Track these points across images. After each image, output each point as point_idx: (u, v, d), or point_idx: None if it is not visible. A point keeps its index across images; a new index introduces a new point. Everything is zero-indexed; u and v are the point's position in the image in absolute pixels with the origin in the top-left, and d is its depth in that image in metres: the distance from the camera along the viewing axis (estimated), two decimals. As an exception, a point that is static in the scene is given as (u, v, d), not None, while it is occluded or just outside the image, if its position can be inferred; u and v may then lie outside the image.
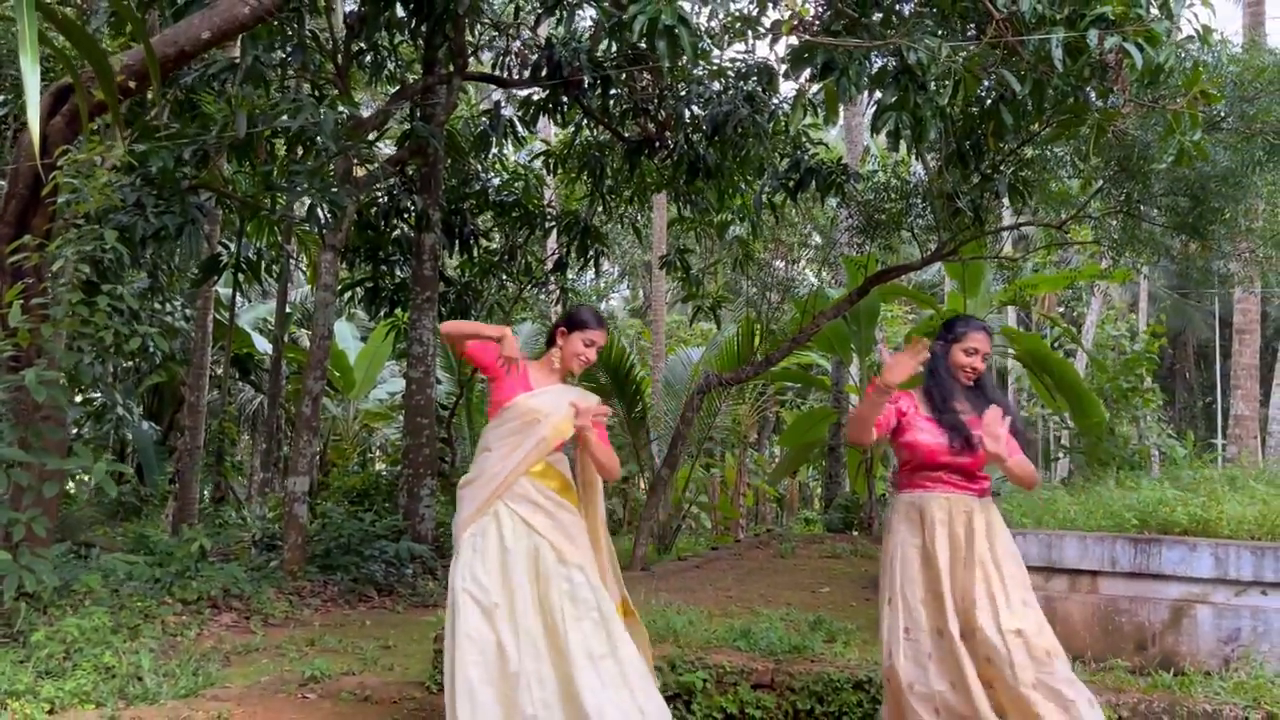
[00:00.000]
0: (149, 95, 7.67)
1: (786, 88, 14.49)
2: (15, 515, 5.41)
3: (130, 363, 15.19)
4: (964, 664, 3.54)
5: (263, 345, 17.35)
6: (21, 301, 5.74)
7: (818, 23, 5.57)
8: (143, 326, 6.08)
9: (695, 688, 4.58)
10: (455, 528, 3.76)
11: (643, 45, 6.63)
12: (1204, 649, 4.59)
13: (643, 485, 14.57)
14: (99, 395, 12.88)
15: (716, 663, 4.63)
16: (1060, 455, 17.44)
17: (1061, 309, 28.32)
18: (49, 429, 5.82)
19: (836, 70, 5.10)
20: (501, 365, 3.73)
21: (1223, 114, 7.24)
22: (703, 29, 8.25)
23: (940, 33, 5.86)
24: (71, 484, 13.64)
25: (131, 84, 6.60)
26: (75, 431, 15.27)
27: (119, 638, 5.45)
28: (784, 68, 5.40)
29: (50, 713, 4.25)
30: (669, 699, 4.63)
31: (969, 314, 4.11)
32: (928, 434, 3.83)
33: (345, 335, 18.00)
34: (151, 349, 11.58)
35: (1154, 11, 5.03)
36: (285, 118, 7.76)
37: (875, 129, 5.49)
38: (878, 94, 5.74)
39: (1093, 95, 5.59)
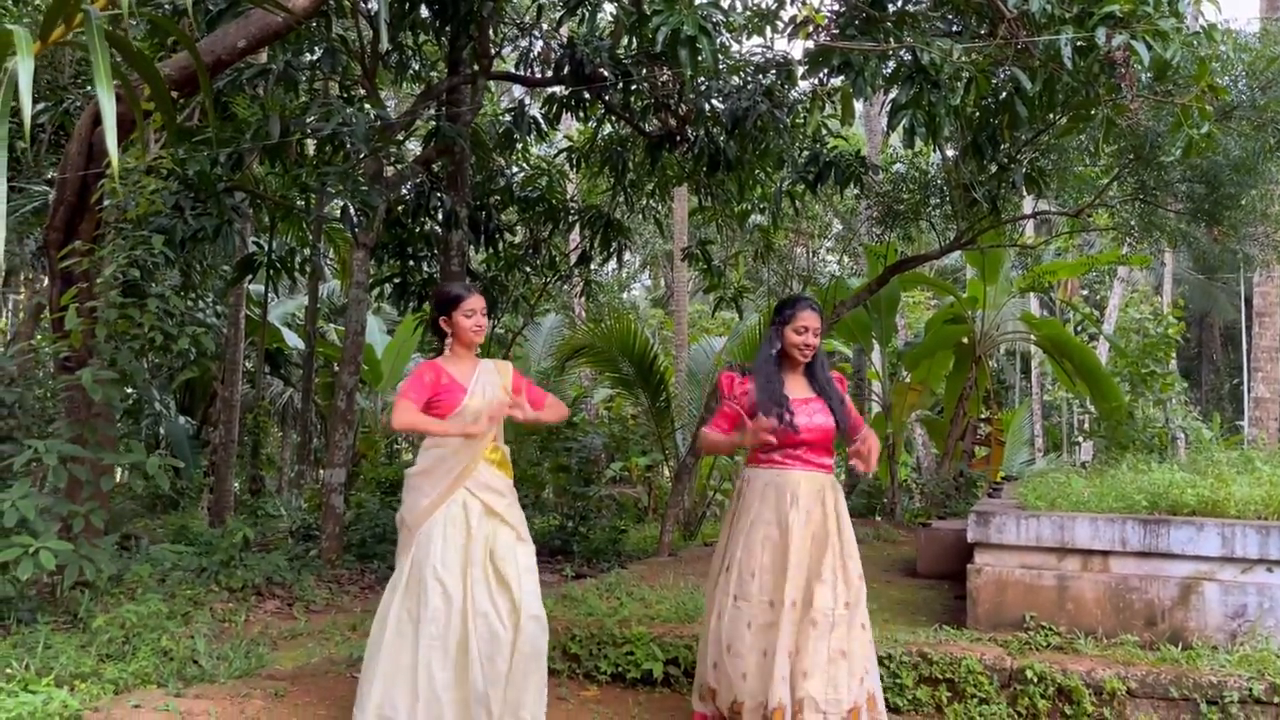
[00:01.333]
0: (181, 101, 7.94)
1: (805, 83, 14.65)
2: (75, 508, 5.69)
3: (162, 359, 15.54)
4: (783, 634, 3.75)
5: (292, 340, 17.66)
6: (77, 305, 6.02)
7: (834, 23, 5.75)
8: (190, 327, 6.34)
9: (723, 665, 4.80)
10: (413, 515, 4.02)
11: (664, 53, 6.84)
12: (1211, 624, 4.77)
13: (667, 473, 14.78)
14: (132, 391, 13.21)
15: (708, 624, 4.85)
16: (1081, 439, 17.53)
17: (1085, 293, 28.30)
18: (103, 425, 6.10)
19: (853, 71, 5.29)
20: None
21: (1235, 103, 7.35)
22: (722, 24, 8.42)
23: (955, 29, 6.04)
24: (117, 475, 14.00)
25: (174, 91, 6.87)
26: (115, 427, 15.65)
27: (174, 623, 5.71)
28: (802, 69, 5.57)
29: (116, 693, 4.52)
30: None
31: (799, 295, 4.30)
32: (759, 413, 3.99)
33: (372, 329, 18.20)
34: (189, 348, 11.91)
35: (1163, 8, 5.17)
36: (317, 120, 8.00)
37: (891, 127, 5.66)
38: (893, 92, 5.92)
39: (1102, 91, 5.73)
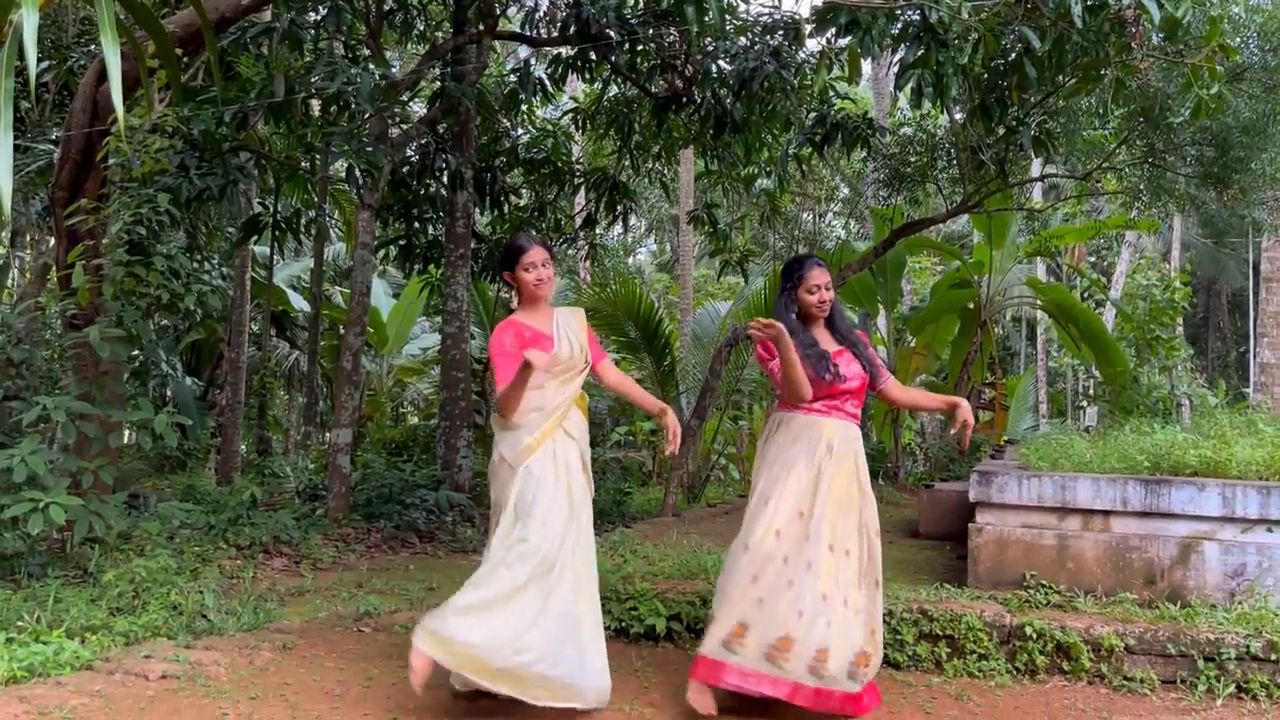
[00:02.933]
0: (186, 60, 7.92)
1: (812, 42, 14.52)
2: (84, 464, 5.75)
3: (169, 321, 15.58)
4: (818, 577, 3.80)
5: (298, 302, 17.70)
6: (83, 263, 6.04)
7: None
8: (197, 285, 6.36)
9: (726, 621, 4.85)
10: (514, 453, 3.89)
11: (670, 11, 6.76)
12: (1210, 583, 4.81)
13: (672, 437, 14.80)
14: (140, 352, 13.25)
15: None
16: (1085, 404, 17.54)
17: (1092, 259, 28.20)
18: (110, 383, 6.15)
19: (860, 29, 5.25)
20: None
21: (1245, 65, 7.29)
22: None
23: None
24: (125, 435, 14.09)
25: (179, 49, 6.85)
26: (121, 388, 15.73)
27: (182, 578, 5.79)
28: (810, 27, 5.54)
29: (127, 644, 4.58)
30: (700, 631, 4.92)
31: (803, 255, 4.24)
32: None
33: (378, 292, 18.28)
34: (193, 307, 11.93)
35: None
36: (322, 80, 7.97)
37: (899, 86, 5.63)
38: (901, 52, 5.88)
39: (1111, 51, 5.69)
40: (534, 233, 3.34)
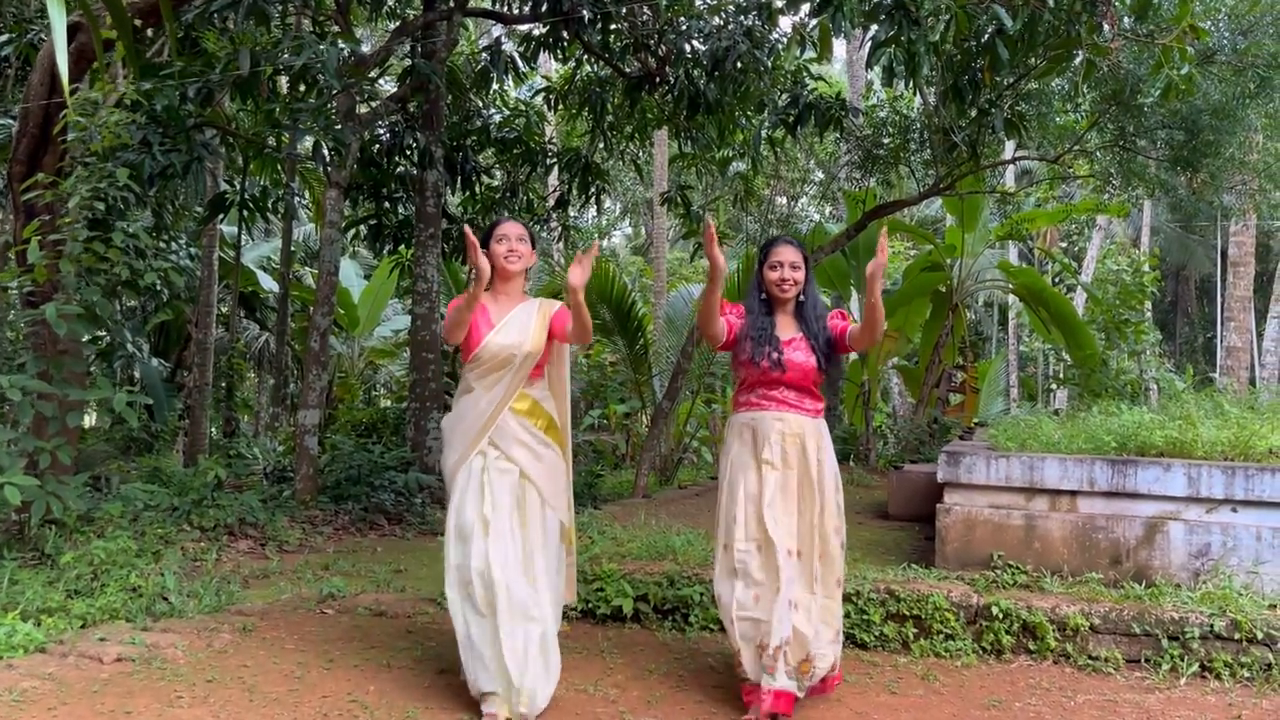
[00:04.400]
0: (150, 33, 7.75)
1: (786, 22, 14.45)
2: (41, 444, 5.62)
3: (136, 301, 15.35)
4: (781, 579, 3.65)
5: (267, 283, 17.50)
6: (39, 238, 5.90)
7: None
8: (158, 263, 6.23)
9: (692, 601, 4.83)
10: (447, 468, 3.84)
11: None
12: (1176, 563, 4.82)
13: (644, 420, 14.81)
14: (106, 333, 13.06)
15: (713, 578, 4.85)
16: (1055, 387, 17.66)
17: (1064, 244, 28.36)
18: (70, 362, 6.01)
19: (831, 7, 5.20)
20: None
21: (1216, 47, 7.30)
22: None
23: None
24: (89, 417, 13.90)
25: (138, 21, 6.69)
26: (88, 369, 15.51)
27: (143, 560, 5.67)
28: (781, 3, 5.48)
29: (83, 627, 4.50)
30: (667, 612, 4.90)
31: (776, 235, 4.13)
32: (745, 351, 3.85)
33: (349, 273, 18.14)
34: (160, 287, 11.77)
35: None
36: (288, 55, 7.83)
37: (870, 64, 5.59)
38: (874, 29, 5.84)
39: (1083, 31, 5.67)
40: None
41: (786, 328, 3.88)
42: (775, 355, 3.77)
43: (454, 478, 3.78)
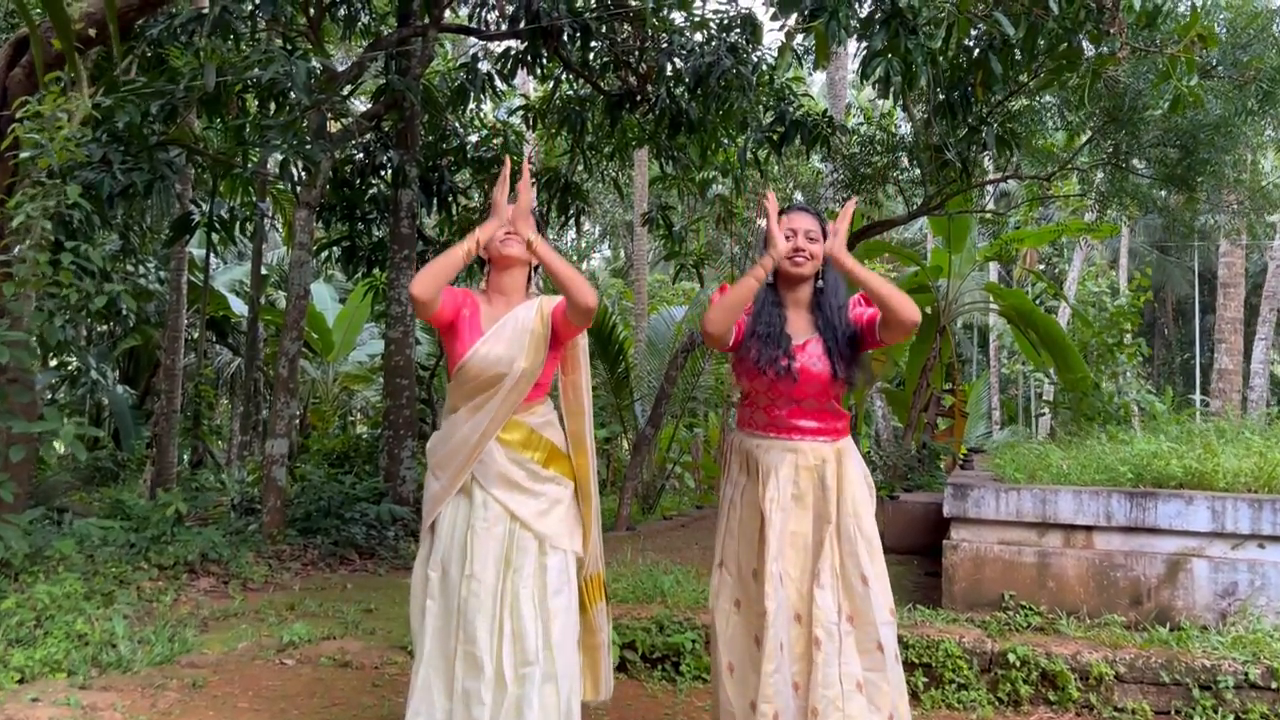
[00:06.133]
0: (115, 47, 7.42)
1: (770, 39, 14.26)
2: (-19, 480, 5.25)
3: (105, 326, 14.94)
4: (783, 658, 2.99)
5: (239, 307, 17.09)
6: (-16, 260, 5.54)
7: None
8: (111, 285, 5.86)
9: (684, 649, 4.48)
10: (427, 497, 3.21)
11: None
12: (1200, 603, 4.52)
13: (626, 445, 14.48)
14: (73, 359, 12.66)
15: (705, 623, 4.50)
16: (1044, 411, 17.47)
17: (1042, 266, 28.33)
18: (16, 391, 5.63)
19: (825, 12, 4.93)
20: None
21: (1215, 61, 7.10)
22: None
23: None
24: (56, 447, 13.45)
25: (92, 33, 6.36)
26: (50, 396, 15.07)
27: (92, 604, 5.31)
28: (772, 10, 5.20)
29: (20, 682, 4.11)
30: (656, 661, 4.55)
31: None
32: (750, 353, 3.11)
33: (324, 297, 17.81)
34: (125, 311, 11.37)
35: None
36: (255, 70, 7.51)
37: (865, 75, 5.32)
38: (867, 42, 5.57)
39: (1086, 41, 5.42)
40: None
41: (801, 326, 3.15)
42: (785, 362, 3.06)
43: (432, 513, 3.14)
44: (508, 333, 3.07)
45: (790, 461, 3.12)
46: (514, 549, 3.04)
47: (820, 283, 3.18)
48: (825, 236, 3.11)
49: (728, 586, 3.19)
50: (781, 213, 3.13)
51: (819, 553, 3.06)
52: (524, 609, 2.97)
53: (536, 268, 3.24)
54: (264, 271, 15.65)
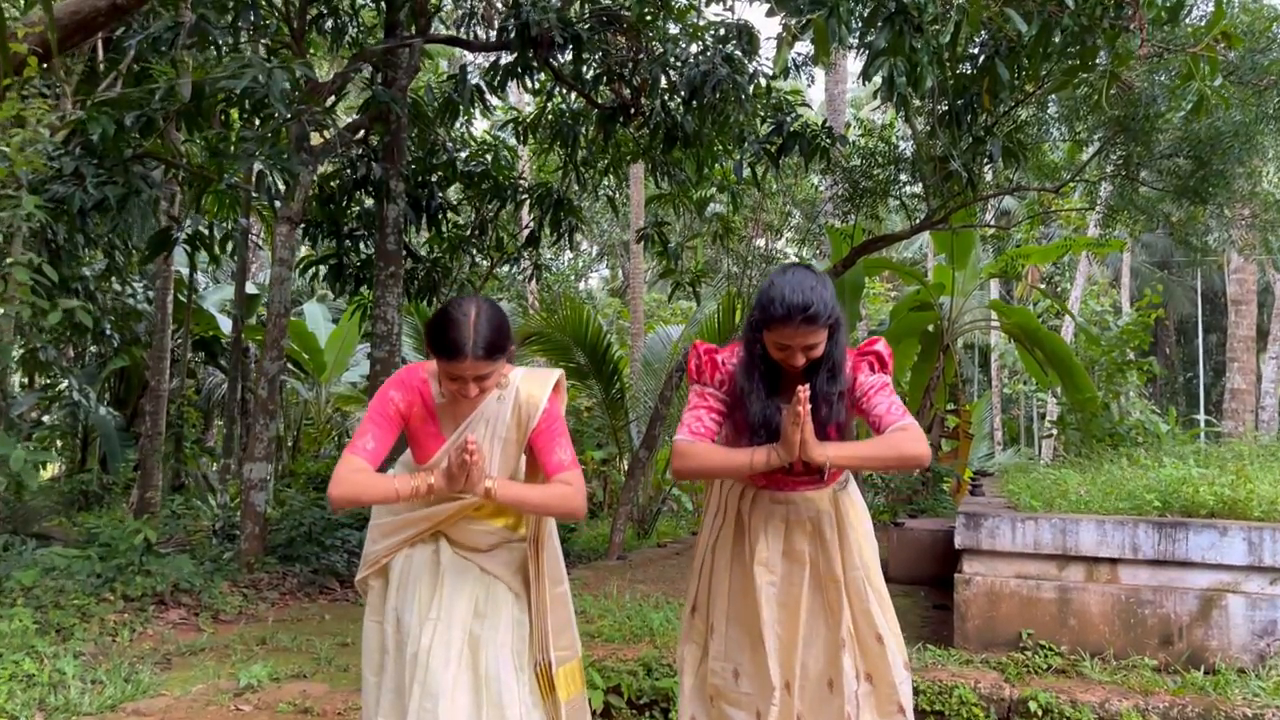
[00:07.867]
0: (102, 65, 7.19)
1: (767, 49, 14.01)
2: (-77, 510, 4.91)
3: (95, 347, 14.60)
4: None
5: (228, 327, 16.80)
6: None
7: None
8: (70, 300, 5.55)
9: (673, 695, 4.11)
10: (366, 561, 2.82)
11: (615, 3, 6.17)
12: (1236, 643, 4.16)
13: (621, 467, 14.13)
14: (62, 381, 12.34)
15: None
16: (1051, 432, 17.14)
17: (1043, 286, 28.07)
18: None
19: (825, 7, 4.62)
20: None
21: (1234, 65, 6.80)
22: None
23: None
24: (42, 473, 13.08)
25: (52, 35, 6.07)
26: (37, 418, 14.74)
27: (45, 641, 4.99)
28: (768, 5, 4.90)
29: (-48, 732, 3.78)
30: (643, 707, 4.20)
31: (784, 296, 2.55)
32: (738, 436, 2.76)
33: (317, 317, 17.56)
34: (108, 331, 11.06)
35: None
36: (229, 78, 7.21)
37: (867, 76, 5.01)
38: (870, 43, 5.26)
39: (1101, 40, 5.11)
40: (488, 303, 2.17)
41: (791, 391, 2.63)
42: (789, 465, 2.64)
43: (379, 561, 2.77)
44: (484, 450, 2.62)
45: (781, 515, 2.79)
46: (485, 598, 2.70)
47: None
48: (832, 329, 2.60)
49: (697, 634, 2.89)
50: (769, 309, 2.58)
51: (814, 614, 2.77)
52: (502, 671, 2.63)
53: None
54: (254, 290, 15.37)
